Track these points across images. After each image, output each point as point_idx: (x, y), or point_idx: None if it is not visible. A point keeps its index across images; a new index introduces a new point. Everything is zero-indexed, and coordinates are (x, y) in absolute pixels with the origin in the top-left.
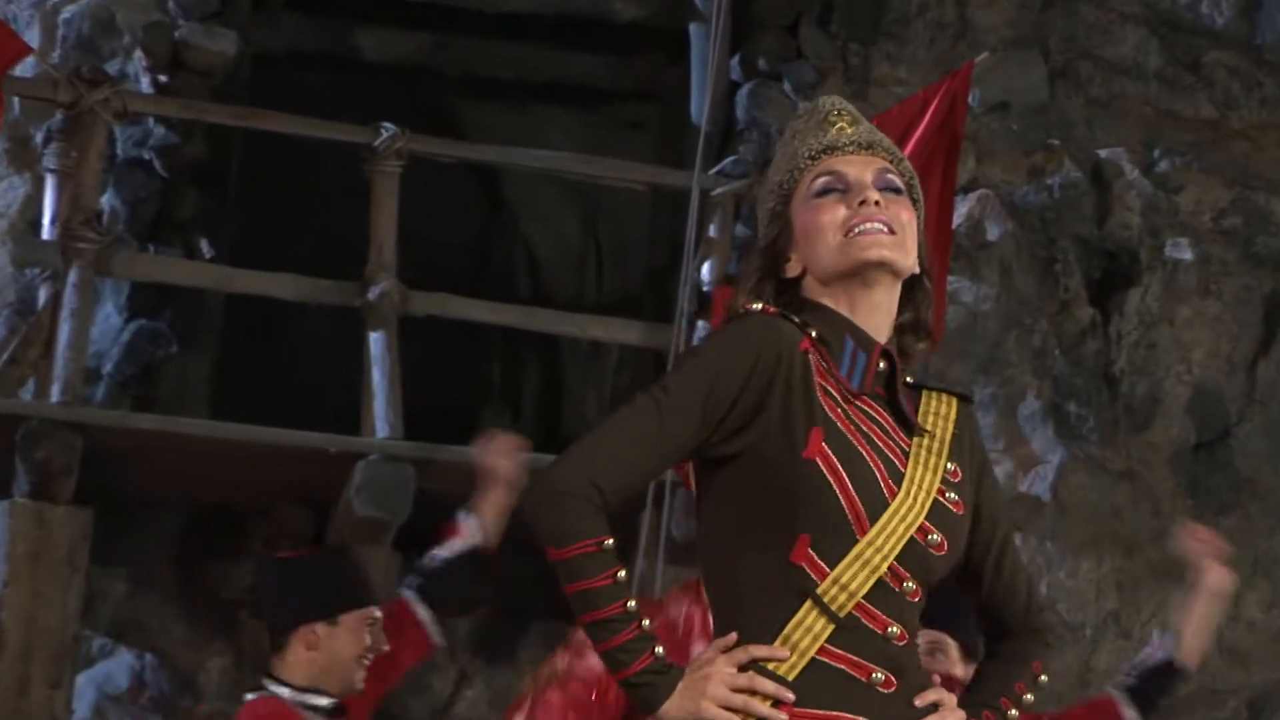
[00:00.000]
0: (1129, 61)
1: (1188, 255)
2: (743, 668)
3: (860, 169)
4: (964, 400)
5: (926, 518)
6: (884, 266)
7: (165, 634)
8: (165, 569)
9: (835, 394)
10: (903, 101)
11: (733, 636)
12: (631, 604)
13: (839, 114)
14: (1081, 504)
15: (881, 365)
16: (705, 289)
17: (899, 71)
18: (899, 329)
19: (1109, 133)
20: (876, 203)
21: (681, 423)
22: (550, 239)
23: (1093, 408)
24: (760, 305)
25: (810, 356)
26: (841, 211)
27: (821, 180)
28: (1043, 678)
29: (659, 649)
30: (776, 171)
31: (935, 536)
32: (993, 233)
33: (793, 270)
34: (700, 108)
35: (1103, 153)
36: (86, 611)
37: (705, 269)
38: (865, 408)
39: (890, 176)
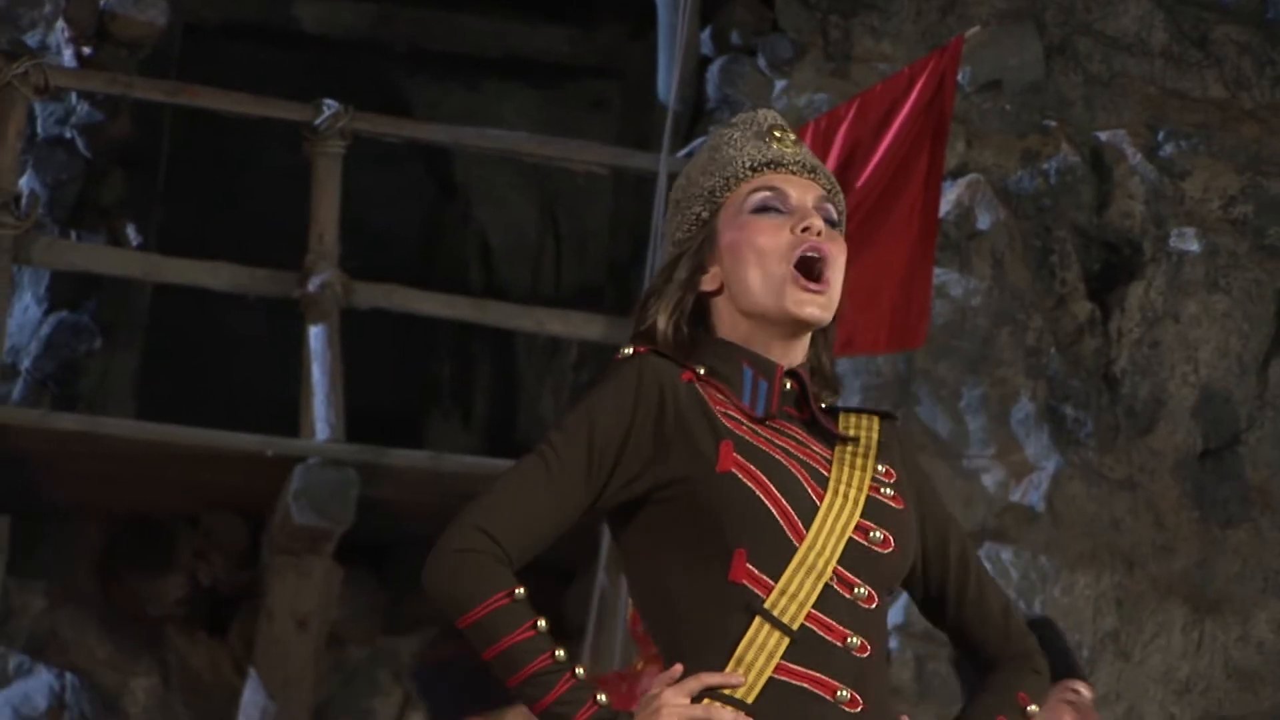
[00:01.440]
0: (1132, 37)
1: (1194, 246)
2: (696, 698)
3: (802, 192)
4: (887, 418)
5: (863, 515)
6: (810, 326)
7: (87, 652)
8: (87, 581)
9: (738, 416)
10: (887, 79)
11: (679, 668)
12: (560, 653)
13: (782, 131)
14: (1078, 515)
15: (788, 385)
16: None
17: (883, 46)
18: (810, 372)
19: (1110, 114)
20: (820, 233)
21: (569, 482)
22: (505, 226)
23: (1091, 411)
24: (632, 349)
25: (696, 385)
26: (785, 237)
27: (760, 195)
28: (1031, 708)
29: (601, 697)
30: (706, 176)
31: (877, 534)
32: (984, 221)
33: (709, 284)
34: (668, 85)
35: (1103, 135)
36: (2, 627)
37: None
38: (775, 426)
39: (829, 207)
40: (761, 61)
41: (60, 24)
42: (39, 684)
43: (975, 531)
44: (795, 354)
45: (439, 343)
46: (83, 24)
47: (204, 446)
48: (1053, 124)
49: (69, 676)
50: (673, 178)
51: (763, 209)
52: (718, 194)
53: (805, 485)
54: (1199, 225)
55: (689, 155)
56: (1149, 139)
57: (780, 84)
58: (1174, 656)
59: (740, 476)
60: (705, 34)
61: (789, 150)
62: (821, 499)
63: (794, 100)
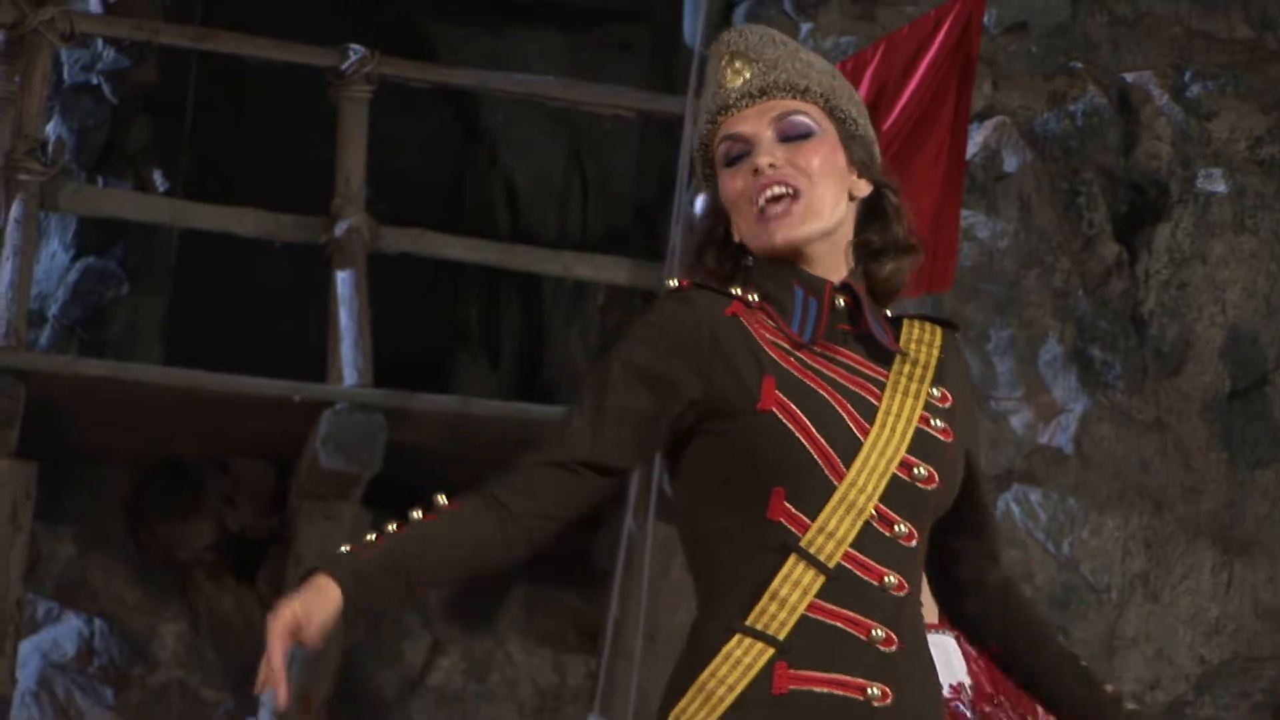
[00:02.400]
0: None
1: (1222, 187)
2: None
3: (755, 123)
4: (948, 327)
5: (909, 450)
6: (794, 246)
7: (116, 597)
8: (115, 527)
9: (785, 344)
10: (913, 22)
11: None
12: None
13: (729, 60)
14: (1107, 457)
15: (840, 302)
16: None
17: None
18: (865, 254)
19: (1136, 55)
20: (772, 165)
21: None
22: (531, 171)
23: (1119, 352)
24: (676, 282)
25: (742, 319)
26: (747, 180)
27: (723, 149)
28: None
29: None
30: (696, 137)
31: (921, 470)
32: (1010, 163)
33: (738, 235)
34: (694, 28)
35: (1129, 76)
36: (31, 573)
37: (698, 203)
38: (825, 351)
39: (793, 119)
40: (787, 4)
41: None
42: (68, 630)
43: (1003, 473)
44: (832, 261)
45: (466, 287)
46: None
47: (232, 392)
48: (1079, 66)
49: (98, 622)
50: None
51: (729, 162)
52: (707, 152)
53: (848, 421)
54: (1226, 166)
55: None
56: (1175, 80)
57: (806, 27)
58: (1203, 598)
59: (779, 415)
60: None
61: (737, 85)
62: (866, 434)
63: (820, 43)
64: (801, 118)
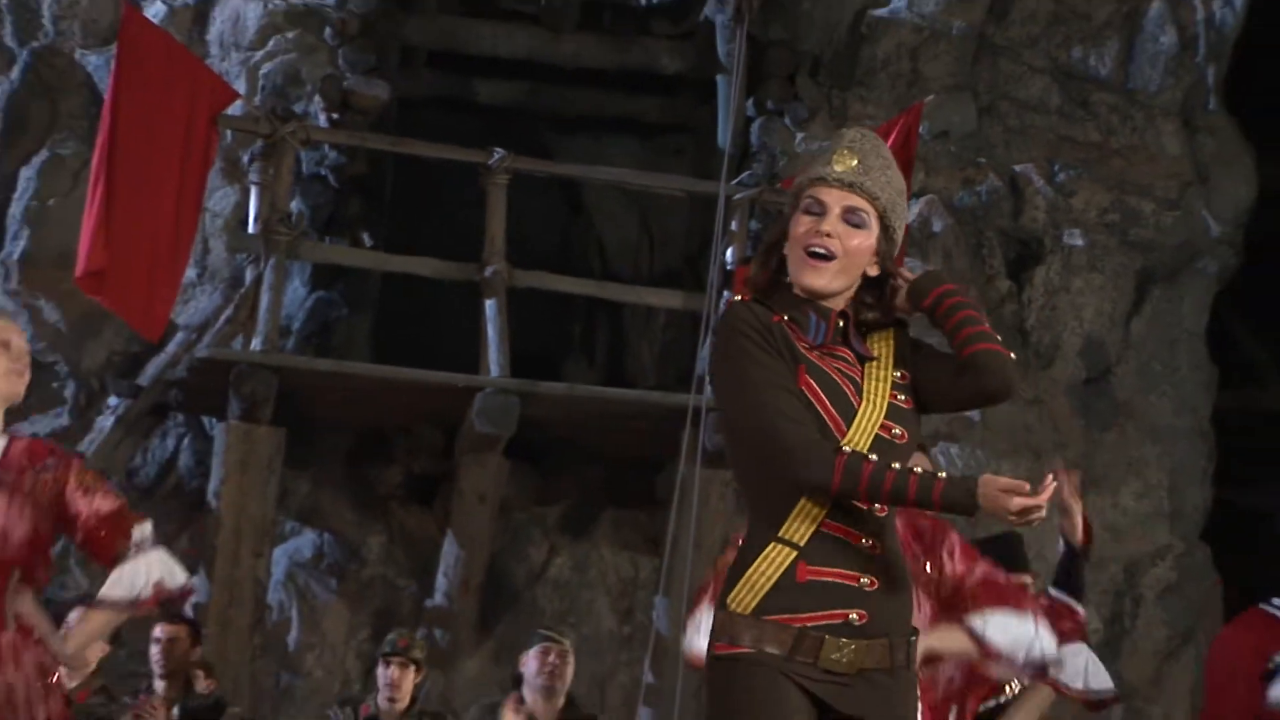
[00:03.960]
0: (1036, 101)
1: (1080, 242)
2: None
3: (836, 200)
4: (897, 324)
5: (886, 417)
6: (818, 293)
7: (338, 518)
8: (337, 472)
9: (804, 347)
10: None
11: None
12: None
13: (846, 149)
14: (1002, 423)
15: (841, 324)
16: (729, 268)
17: (868, 109)
18: (858, 305)
19: (1022, 153)
20: (830, 234)
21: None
22: (615, 233)
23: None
24: (740, 297)
25: (784, 324)
26: (806, 227)
27: (806, 200)
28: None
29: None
30: (798, 175)
31: (896, 430)
32: (937, 226)
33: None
34: (725, 136)
35: (1017, 167)
36: (281, 503)
37: (728, 253)
38: (830, 352)
39: (858, 213)
40: (787, 120)
41: (317, 98)
42: (305, 541)
43: (932, 434)
44: (834, 304)
45: (572, 310)
46: (332, 98)
47: (416, 380)
48: (983, 161)
49: (326, 536)
50: (729, 199)
51: (806, 211)
52: (797, 195)
53: (849, 397)
54: (1083, 228)
55: (740, 184)
56: (1048, 170)
57: (800, 135)
58: None
59: (806, 392)
60: (749, 102)
61: (838, 169)
62: (859, 406)
63: (809, 146)
64: (864, 214)
